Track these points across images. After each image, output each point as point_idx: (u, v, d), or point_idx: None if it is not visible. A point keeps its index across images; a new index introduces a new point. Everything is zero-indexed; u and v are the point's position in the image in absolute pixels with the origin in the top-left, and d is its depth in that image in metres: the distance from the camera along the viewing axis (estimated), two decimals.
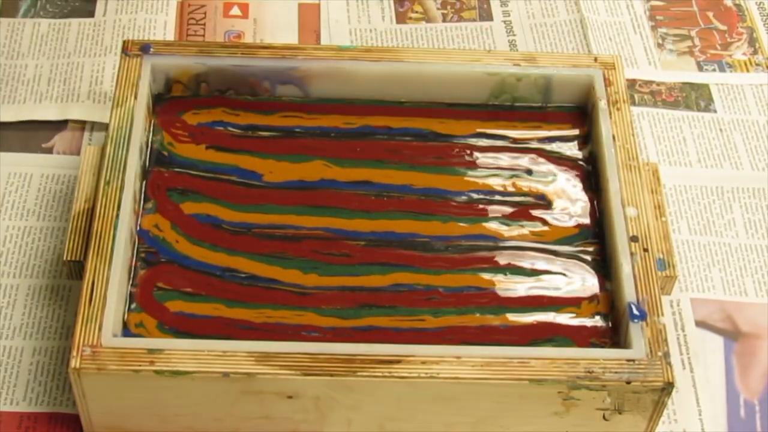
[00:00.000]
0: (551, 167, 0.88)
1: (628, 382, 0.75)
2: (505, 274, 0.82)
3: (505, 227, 0.85)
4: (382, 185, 0.86)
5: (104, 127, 0.95)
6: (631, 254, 0.80)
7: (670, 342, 0.80)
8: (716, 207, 0.96)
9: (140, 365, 0.74)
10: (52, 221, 0.92)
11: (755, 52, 1.07)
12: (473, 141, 0.89)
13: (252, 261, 0.82)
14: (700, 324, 0.89)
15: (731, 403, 0.85)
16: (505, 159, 0.88)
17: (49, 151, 0.97)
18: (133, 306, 0.79)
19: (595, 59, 0.91)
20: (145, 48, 0.89)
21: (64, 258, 0.82)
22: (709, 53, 1.07)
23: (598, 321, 0.80)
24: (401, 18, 1.08)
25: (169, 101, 0.89)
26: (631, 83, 1.03)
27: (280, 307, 0.80)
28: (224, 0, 1.09)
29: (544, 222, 0.85)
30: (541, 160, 0.88)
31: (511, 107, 0.91)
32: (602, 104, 0.88)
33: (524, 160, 0.88)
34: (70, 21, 1.06)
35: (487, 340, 0.78)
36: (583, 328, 0.80)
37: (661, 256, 0.83)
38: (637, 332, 0.77)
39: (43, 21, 1.06)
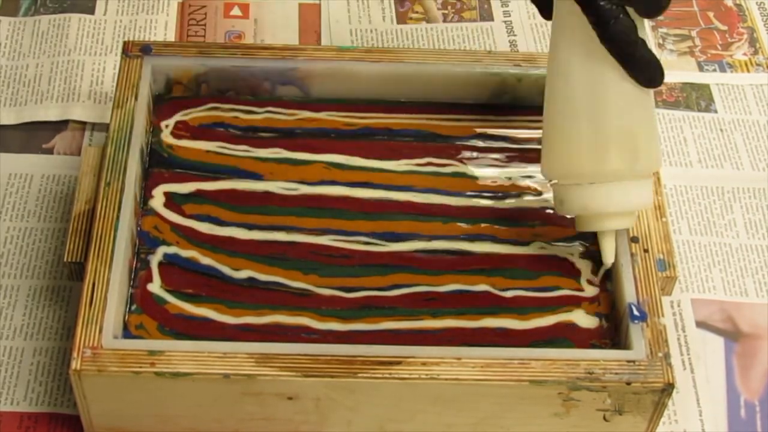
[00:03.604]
0: None
1: (629, 383, 0.75)
2: (505, 275, 0.82)
3: (505, 227, 0.85)
4: (382, 186, 0.86)
5: (105, 127, 0.95)
6: (632, 255, 0.80)
7: (670, 343, 0.80)
8: (717, 207, 0.96)
9: (141, 367, 0.74)
10: (52, 222, 0.92)
11: (756, 52, 1.07)
12: (474, 142, 0.89)
13: (252, 262, 0.82)
14: (700, 324, 0.89)
15: (732, 404, 0.85)
16: (505, 159, 0.88)
17: (50, 151, 0.97)
18: (133, 307, 0.79)
19: None
20: (145, 49, 0.89)
21: (65, 259, 0.82)
22: (709, 53, 1.07)
23: (598, 322, 0.80)
24: (402, 18, 1.08)
25: (170, 102, 0.89)
26: None
27: (280, 308, 0.80)
28: (225, 0, 1.09)
29: (545, 222, 0.85)
30: None
31: (512, 108, 0.91)
32: None
33: (524, 161, 0.88)
34: (70, 16, 1.06)
35: (487, 341, 0.79)
36: (584, 329, 0.80)
37: (662, 257, 0.83)
38: (637, 333, 0.77)
39: (44, 18, 1.06)
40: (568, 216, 0.82)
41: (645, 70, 0.75)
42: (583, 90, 0.76)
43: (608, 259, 0.80)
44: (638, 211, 0.81)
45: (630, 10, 0.74)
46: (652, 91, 0.77)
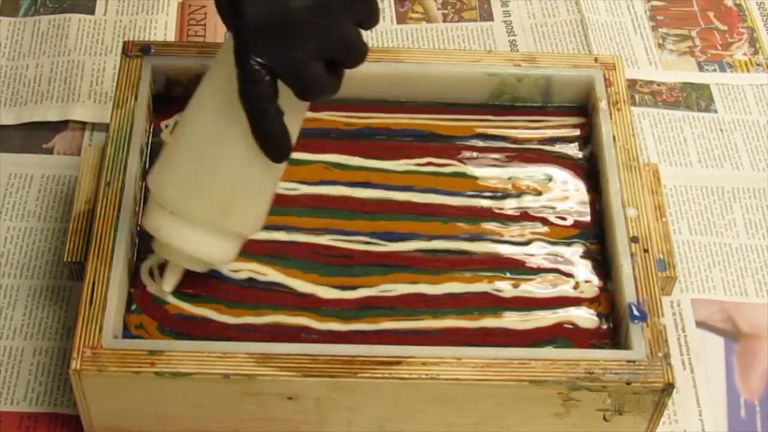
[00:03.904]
0: (552, 168, 0.88)
1: (629, 383, 0.75)
2: (505, 275, 0.82)
3: (505, 227, 0.85)
4: (382, 186, 0.86)
5: (105, 127, 0.95)
6: (632, 255, 0.80)
7: (670, 343, 0.80)
8: (717, 207, 0.96)
9: (141, 367, 0.74)
10: (52, 222, 0.92)
11: (756, 53, 1.07)
12: (473, 142, 0.89)
13: (252, 262, 0.82)
14: (700, 325, 0.89)
15: (732, 404, 0.85)
16: (505, 159, 0.88)
17: (50, 151, 0.97)
18: (133, 307, 0.79)
19: (596, 59, 0.91)
20: (145, 49, 0.89)
21: (65, 259, 0.82)
22: (709, 53, 1.06)
23: (598, 322, 0.80)
24: (402, 18, 1.08)
25: (170, 102, 0.89)
26: (632, 83, 1.03)
27: (280, 307, 0.80)
28: None
29: (545, 222, 0.85)
30: (542, 160, 0.88)
31: (512, 108, 0.91)
32: (603, 105, 0.88)
33: (524, 161, 0.88)
34: (70, 16, 1.06)
35: (487, 341, 0.79)
36: (584, 329, 0.80)
37: (662, 257, 0.83)
38: (637, 333, 0.77)
39: (44, 18, 1.06)
40: (145, 229, 0.78)
41: (267, 143, 0.72)
42: (207, 128, 0.74)
43: (165, 287, 0.79)
44: (211, 263, 0.79)
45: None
46: (281, 165, 0.75)
